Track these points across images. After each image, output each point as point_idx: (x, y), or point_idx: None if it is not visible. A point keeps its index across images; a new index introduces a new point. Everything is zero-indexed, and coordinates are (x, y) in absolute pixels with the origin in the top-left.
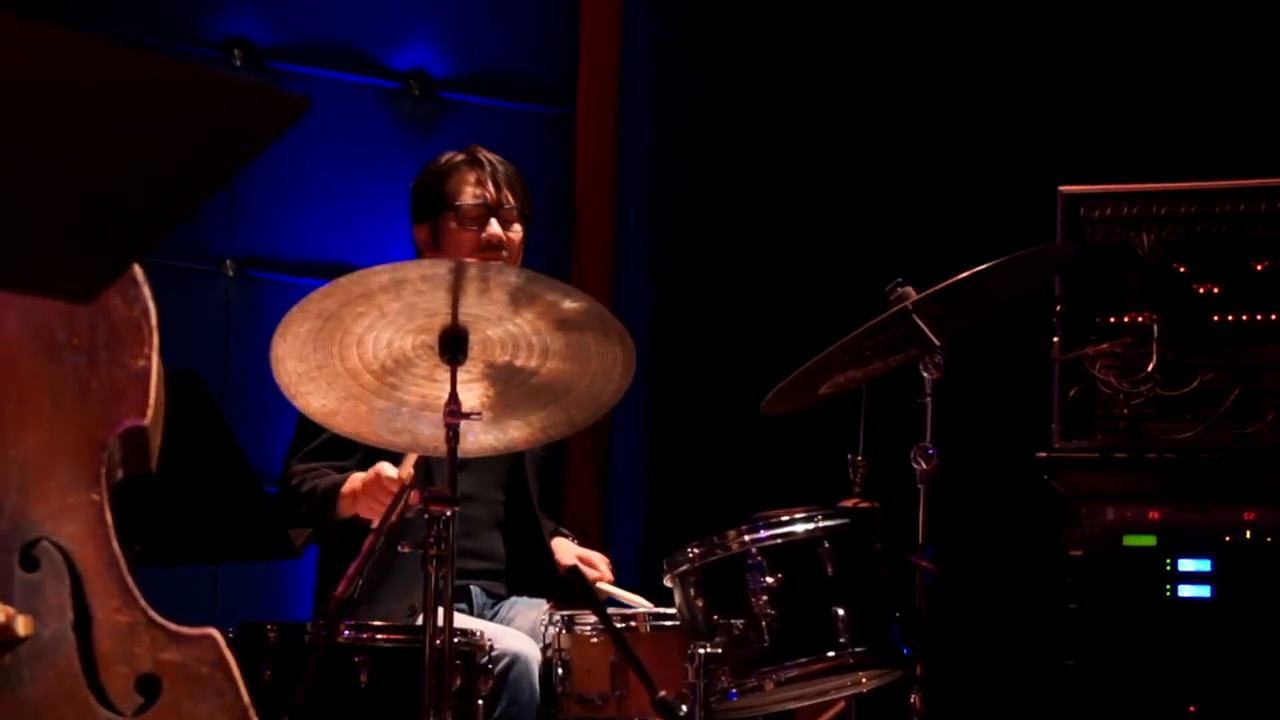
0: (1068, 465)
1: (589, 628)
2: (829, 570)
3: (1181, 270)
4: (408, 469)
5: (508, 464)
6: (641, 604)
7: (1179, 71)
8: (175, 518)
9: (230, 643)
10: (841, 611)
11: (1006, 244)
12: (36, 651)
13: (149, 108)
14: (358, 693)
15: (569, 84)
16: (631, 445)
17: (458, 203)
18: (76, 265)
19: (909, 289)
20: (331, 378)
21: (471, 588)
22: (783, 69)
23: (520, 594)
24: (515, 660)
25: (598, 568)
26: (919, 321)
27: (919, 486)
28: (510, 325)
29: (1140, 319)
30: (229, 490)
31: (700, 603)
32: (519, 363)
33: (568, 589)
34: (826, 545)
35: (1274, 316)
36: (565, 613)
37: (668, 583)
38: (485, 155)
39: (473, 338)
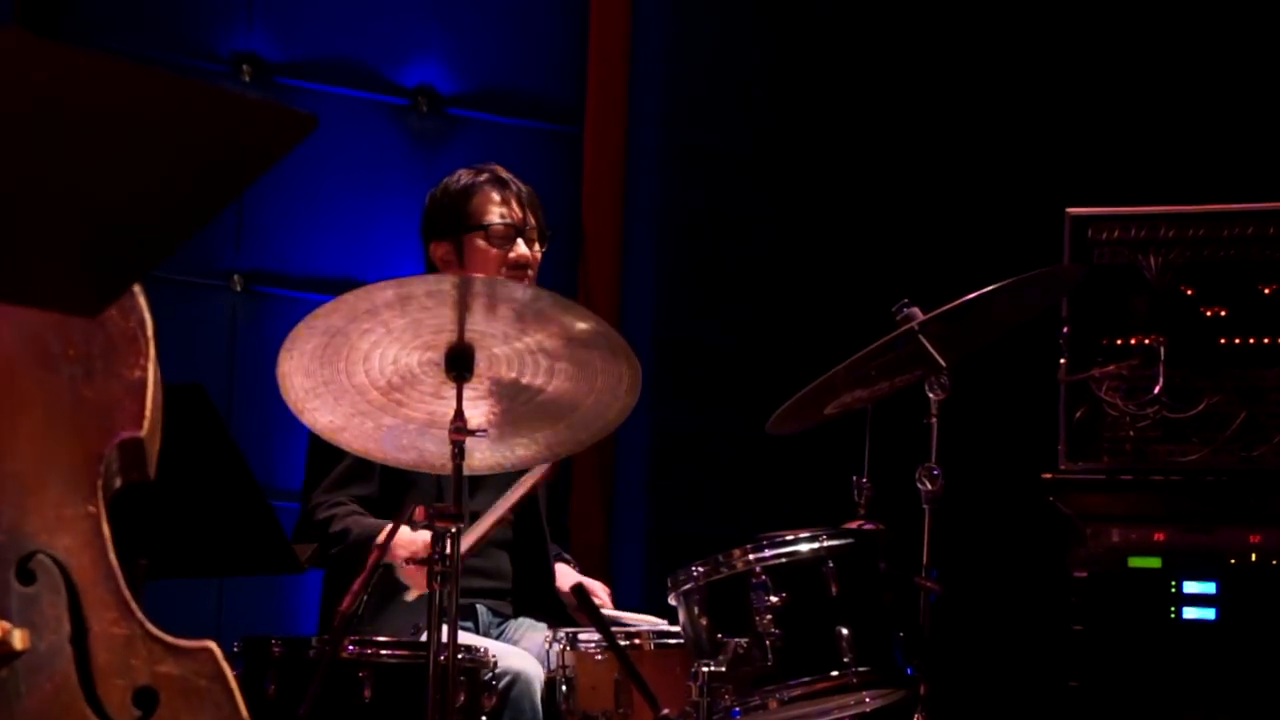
0: (1073, 486)
1: (593, 645)
2: (833, 590)
3: (1189, 293)
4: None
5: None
6: (646, 620)
7: (1188, 94)
8: (180, 531)
9: (235, 657)
10: (845, 631)
11: (1014, 265)
12: (33, 665)
13: (157, 124)
14: (362, 708)
15: (577, 102)
16: (637, 463)
17: (486, 222)
18: (83, 280)
19: (915, 309)
20: (338, 394)
21: (478, 606)
22: (791, 90)
23: (525, 615)
24: (517, 678)
25: (599, 596)
26: (925, 342)
27: (924, 507)
28: (516, 343)
29: (1147, 341)
30: (234, 504)
31: (704, 621)
32: (525, 380)
33: (568, 615)
34: (831, 565)
35: None
36: (569, 630)
37: (672, 601)
38: (507, 175)
39: (479, 355)
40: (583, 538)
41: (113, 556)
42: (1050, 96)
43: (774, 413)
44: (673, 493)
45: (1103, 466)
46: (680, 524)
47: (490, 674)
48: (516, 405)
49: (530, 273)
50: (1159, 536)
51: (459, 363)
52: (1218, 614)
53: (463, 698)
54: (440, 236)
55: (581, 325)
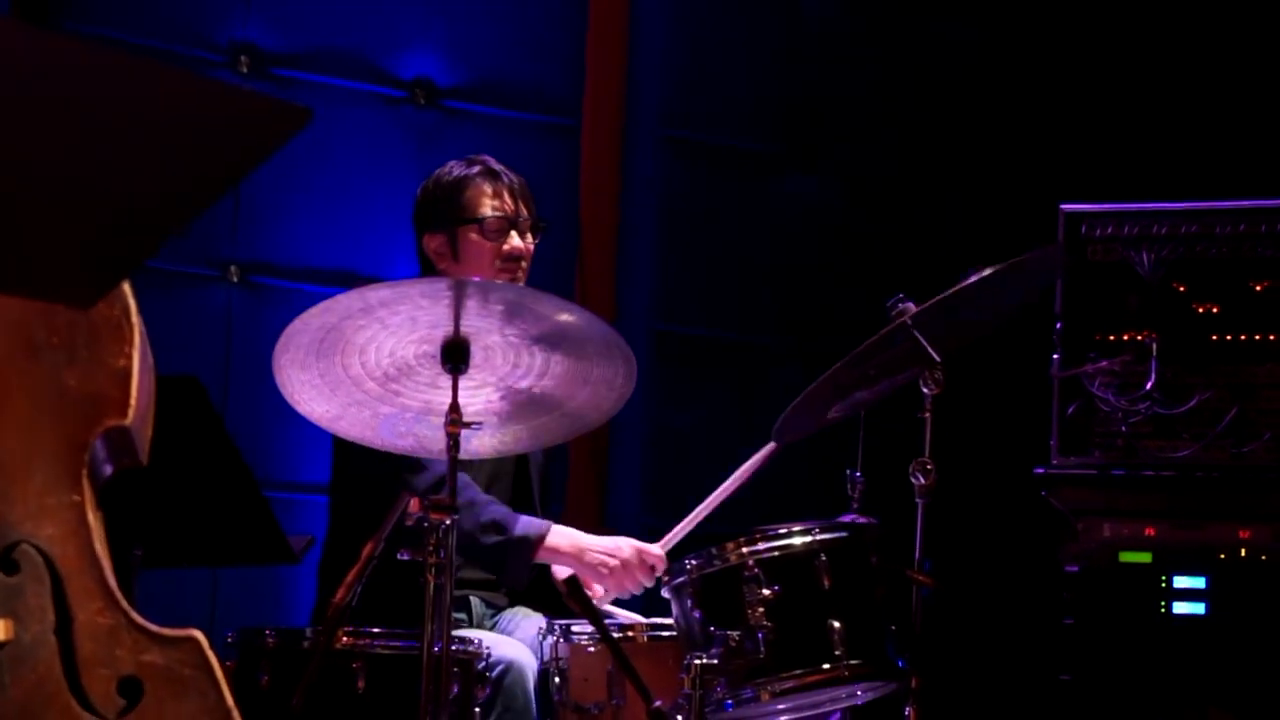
0: (1065, 481)
1: (586, 637)
2: (826, 583)
3: (1181, 289)
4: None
5: (512, 476)
6: (634, 619)
7: (1181, 91)
8: (174, 522)
9: (229, 647)
10: (838, 624)
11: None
12: (17, 655)
13: (151, 117)
14: (355, 699)
15: (574, 94)
16: (632, 456)
17: (480, 215)
18: (76, 271)
19: (910, 305)
20: (334, 384)
21: (471, 598)
22: (789, 83)
23: (519, 606)
24: (510, 668)
25: (591, 587)
26: (919, 336)
27: (917, 501)
28: (511, 337)
29: (1139, 337)
30: (228, 495)
31: (697, 614)
32: (520, 373)
33: (563, 604)
34: (824, 558)
35: (1273, 336)
36: (563, 622)
37: (665, 593)
38: (499, 166)
39: (474, 348)
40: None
41: (98, 545)
42: (1045, 93)
43: (776, 419)
44: (667, 484)
45: (1094, 462)
46: (674, 517)
47: (484, 664)
48: (513, 396)
49: (524, 264)
50: (1150, 531)
51: (455, 356)
52: (1208, 609)
53: (456, 689)
54: (433, 229)
55: (574, 320)
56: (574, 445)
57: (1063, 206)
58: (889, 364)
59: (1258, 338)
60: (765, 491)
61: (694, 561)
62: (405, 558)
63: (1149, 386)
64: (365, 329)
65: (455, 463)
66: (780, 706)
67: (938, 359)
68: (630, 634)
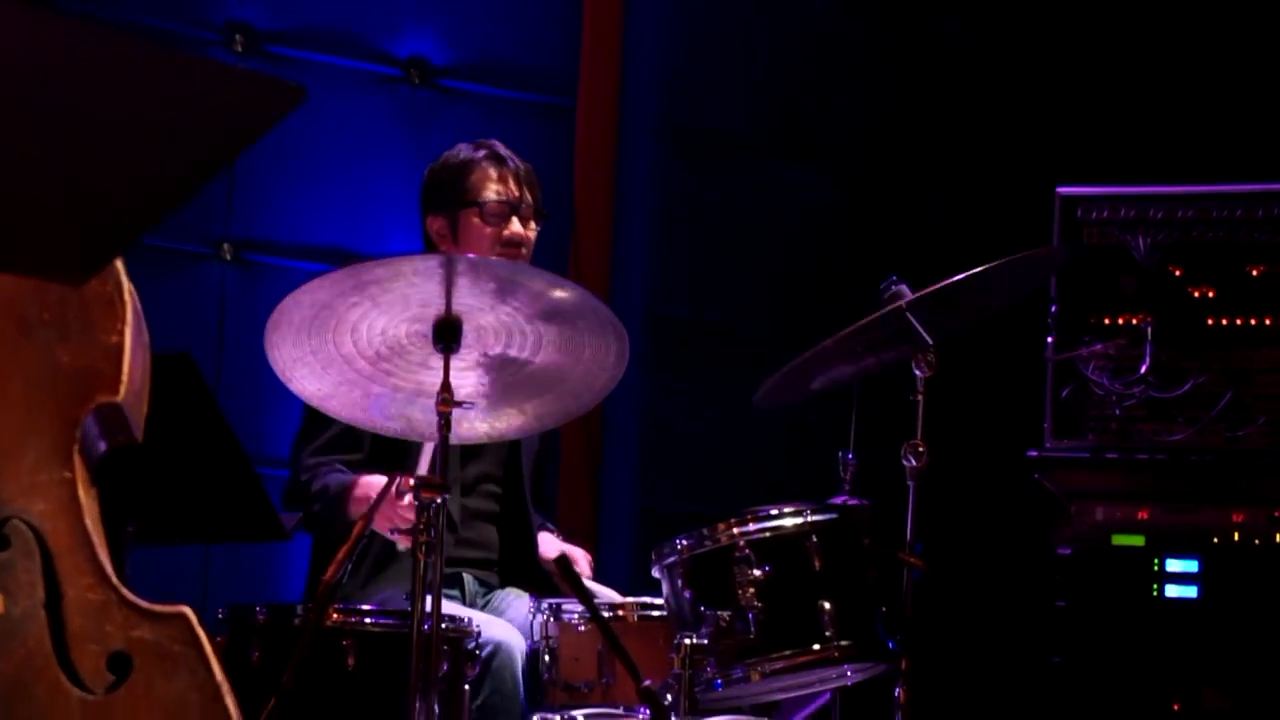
0: (1058, 464)
1: (576, 616)
2: (816, 564)
3: (1177, 273)
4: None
5: (504, 456)
6: (611, 596)
7: (1178, 75)
8: (167, 498)
9: (219, 624)
10: (828, 605)
11: (1003, 244)
12: (6, 630)
13: (144, 95)
14: (345, 676)
15: (570, 74)
16: (625, 438)
17: (482, 199)
18: (69, 248)
19: (903, 287)
20: (326, 362)
21: (464, 576)
22: (784, 64)
23: (512, 585)
24: (499, 649)
25: (580, 564)
26: (912, 320)
27: (909, 483)
28: (503, 315)
29: (1134, 321)
30: (221, 472)
31: (688, 594)
32: (513, 352)
33: (552, 584)
34: (814, 540)
35: (1268, 321)
36: (553, 601)
37: (656, 573)
38: (506, 152)
39: (466, 327)
40: (571, 513)
41: (89, 522)
42: (1041, 76)
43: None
44: (660, 469)
45: (1088, 445)
46: (667, 500)
47: (473, 644)
48: (504, 376)
49: (524, 251)
50: (1143, 515)
51: (447, 335)
52: (1199, 592)
53: (445, 667)
54: (436, 210)
55: (567, 297)
56: (567, 430)
57: (1059, 190)
58: (878, 342)
59: (1253, 322)
60: (757, 472)
61: (685, 541)
62: (396, 537)
63: (1143, 370)
64: (358, 306)
65: (446, 442)
66: (770, 686)
67: (930, 342)
68: (620, 613)
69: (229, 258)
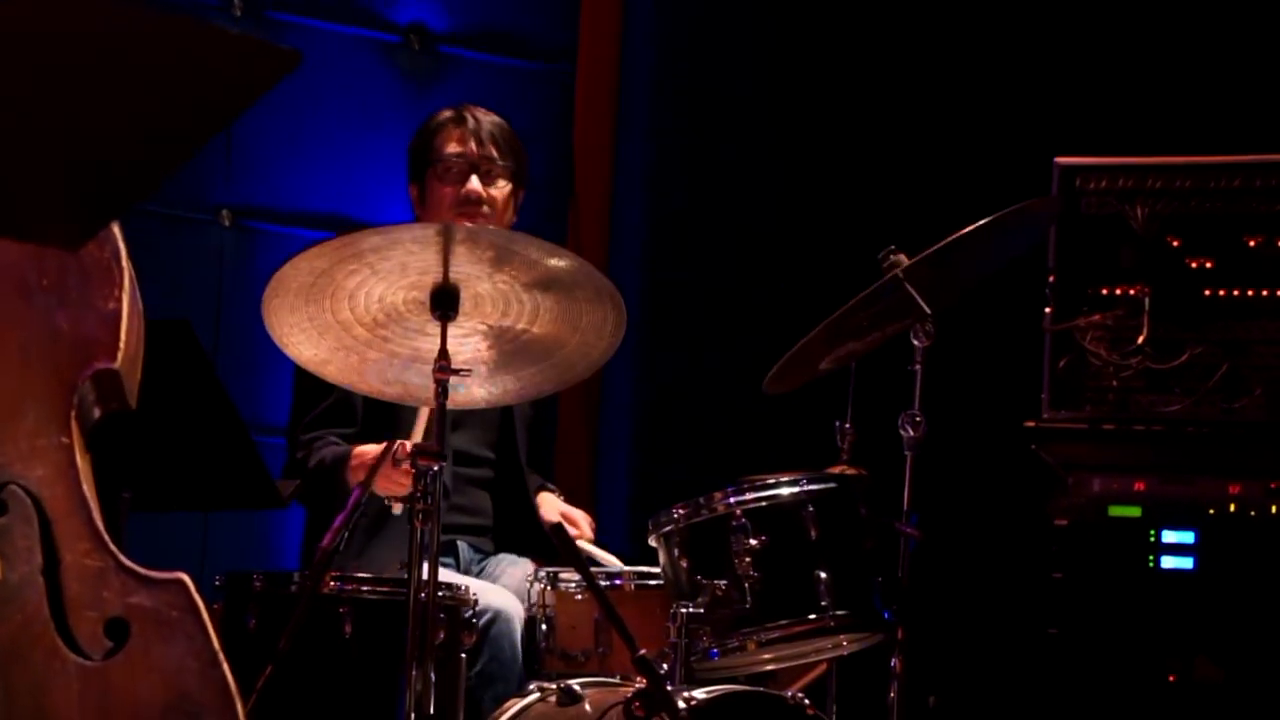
0: (1055, 435)
1: (574, 585)
2: (813, 534)
3: (1175, 244)
4: (418, 433)
5: (497, 423)
6: (612, 562)
7: (1177, 45)
8: (164, 465)
9: (216, 591)
10: (824, 575)
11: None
12: (4, 596)
13: (140, 59)
14: (342, 643)
15: (570, 42)
16: (622, 407)
17: (440, 158)
18: (64, 213)
19: (901, 256)
20: (323, 329)
21: (459, 543)
22: (785, 34)
23: (506, 551)
24: (497, 617)
25: (579, 525)
26: (910, 288)
27: (906, 453)
28: (500, 283)
29: (1132, 292)
30: (218, 439)
31: (684, 563)
32: (510, 320)
33: (548, 551)
34: (811, 509)
35: (1265, 292)
36: (550, 569)
37: (652, 542)
38: (472, 112)
39: (464, 295)
40: (569, 479)
41: (86, 488)
42: (1039, 45)
43: (768, 370)
44: (658, 437)
45: (1085, 416)
46: (665, 468)
47: (470, 612)
48: (502, 344)
49: (485, 210)
50: (1139, 486)
51: (444, 303)
52: (1196, 563)
53: (442, 635)
54: (412, 178)
55: (563, 265)
56: (565, 397)
57: (1057, 160)
58: (881, 315)
59: (1251, 293)
60: (754, 442)
61: (681, 510)
62: (397, 511)
63: (1141, 341)
64: (355, 274)
65: (444, 409)
66: (766, 656)
67: (929, 311)
68: (618, 582)
69: (227, 224)
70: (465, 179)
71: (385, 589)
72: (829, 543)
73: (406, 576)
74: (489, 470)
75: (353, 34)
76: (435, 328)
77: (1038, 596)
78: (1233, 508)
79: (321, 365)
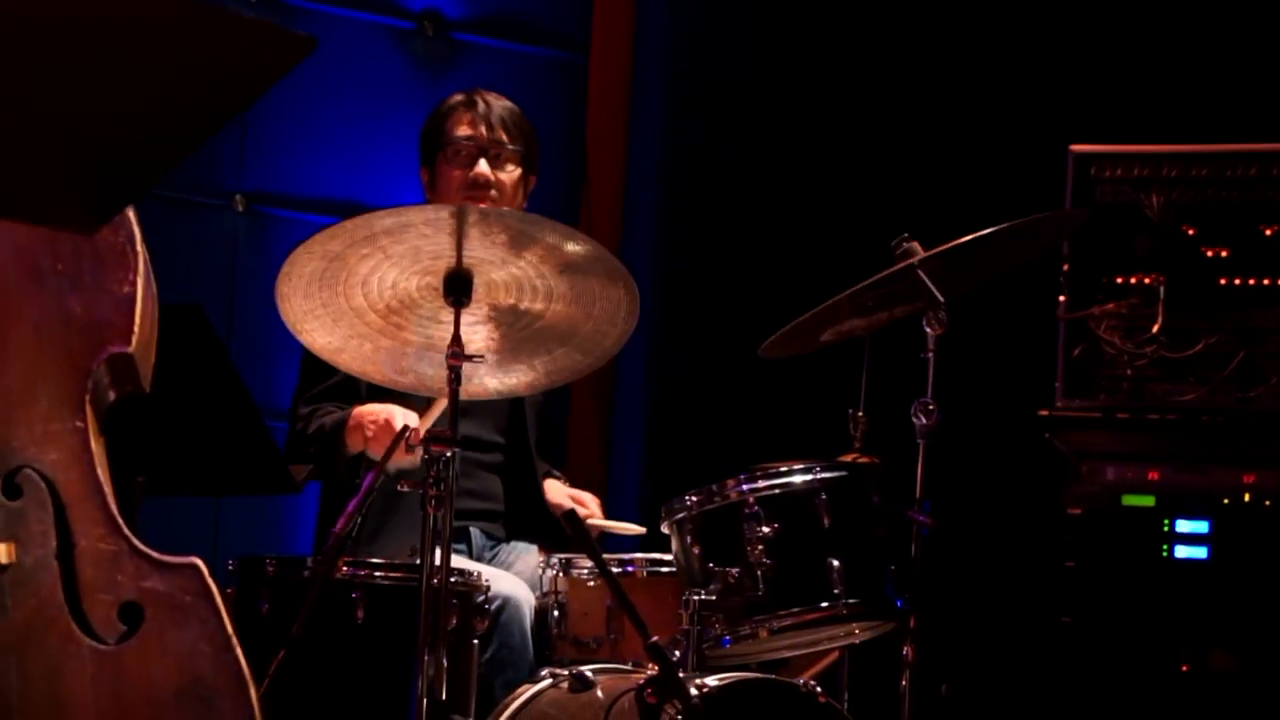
0: (1069, 424)
1: (586, 571)
2: (825, 522)
3: (1190, 232)
4: (430, 420)
5: (507, 409)
6: (633, 529)
7: (1194, 33)
8: (177, 450)
9: (229, 575)
10: (836, 563)
11: (1016, 202)
12: (19, 579)
13: (155, 44)
14: (355, 628)
15: (583, 29)
16: (635, 394)
17: (449, 141)
18: (79, 197)
19: (915, 244)
20: (336, 315)
21: (471, 529)
22: (798, 22)
23: (517, 538)
24: (507, 604)
25: (588, 507)
26: (924, 278)
27: (919, 441)
28: (514, 268)
29: (1147, 280)
30: (231, 424)
31: (696, 550)
32: (523, 306)
33: (560, 533)
34: (824, 497)
35: None
36: (563, 556)
37: (665, 529)
38: (483, 96)
39: (477, 280)
40: (581, 466)
41: (100, 472)
42: (1055, 33)
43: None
44: (670, 425)
45: (1099, 404)
46: (677, 456)
47: (482, 598)
48: (515, 331)
49: (493, 193)
50: (1153, 475)
51: (457, 288)
52: (1209, 553)
53: (454, 620)
54: (423, 162)
55: (578, 249)
56: (578, 385)
57: (1072, 148)
58: (888, 297)
59: (1266, 282)
60: (767, 430)
61: (694, 498)
62: (405, 489)
63: (1155, 329)
64: (368, 259)
65: (456, 396)
66: (778, 644)
67: (942, 300)
68: (630, 569)
69: (241, 209)
70: (474, 162)
71: (398, 574)
72: (841, 531)
73: (418, 562)
74: (499, 455)
75: (367, 20)
76: (448, 314)
77: (1051, 585)
78: (1247, 497)
79: (335, 353)
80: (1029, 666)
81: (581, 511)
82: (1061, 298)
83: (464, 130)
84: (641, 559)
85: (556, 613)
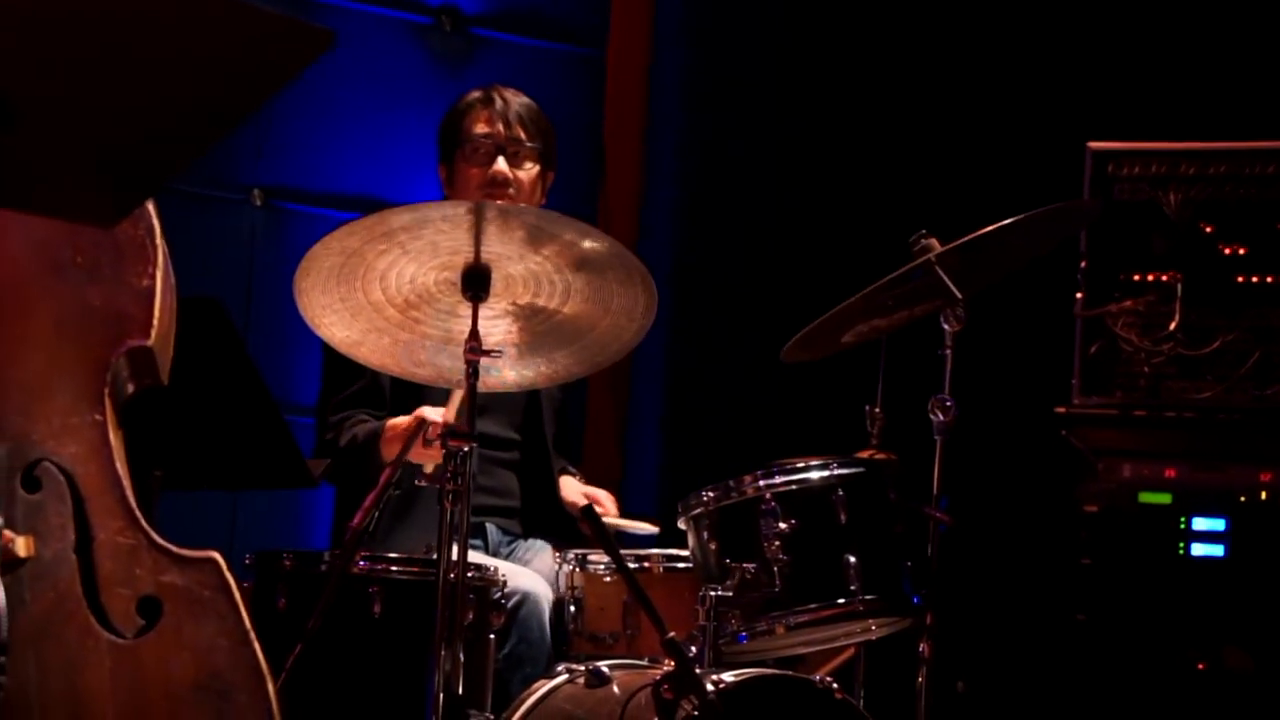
0: (1086, 421)
1: (602, 567)
2: (842, 518)
3: (1208, 230)
4: (451, 412)
5: (524, 406)
6: (646, 528)
7: (1212, 30)
8: (195, 444)
9: (246, 570)
10: (853, 559)
11: (1034, 199)
12: (38, 572)
13: (175, 37)
14: (371, 623)
15: (601, 25)
16: (652, 389)
17: (467, 139)
18: (99, 191)
19: (933, 241)
20: (355, 310)
21: (487, 525)
22: (816, 16)
23: (532, 533)
24: (526, 599)
25: (603, 504)
26: (941, 274)
27: (936, 438)
28: (532, 264)
29: (1164, 278)
30: (249, 418)
31: (713, 546)
32: (541, 301)
33: (573, 531)
34: (841, 493)
35: None
36: (579, 551)
37: (682, 525)
38: (501, 93)
39: (495, 275)
40: (598, 462)
41: (119, 465)
42: (1073, 29)
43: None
44: (687, 421)
45: (1116, 402)
46: (694, 452)
47: (499, 593)
48: (533, 326)
49: (511, 191)
50: (1170, 473)
51: (475, 283)
52: (1226, 551)
53: (471, 616)
54: (441, 159)
55: (595, 246)
56: (594, 381)
57: (1090, 145)
58: (908, 295)
59: None
60: (784, 426)
61: (711, 493)
62: (423, 484)
63: (1173, 327)
64: (386, 254)
65: (474, 390)
66: (795, 640)
67: (959, 296)
68: (646, 565)
69: (259, 204)
70: (492, 160)
71: (415, 569)
72: (858, 527)
73: (435, 558)
74: (515, 453)
75: (385, 15)
76: (466, 309)
77: (1067, 583)
78: (1264, 495)
79: (354, 347)
80: (1045, 664)
81: (597, 510)
82: (1079, 295)
83: (482, 128)
84: (658, 555)
85: (573, 608)
